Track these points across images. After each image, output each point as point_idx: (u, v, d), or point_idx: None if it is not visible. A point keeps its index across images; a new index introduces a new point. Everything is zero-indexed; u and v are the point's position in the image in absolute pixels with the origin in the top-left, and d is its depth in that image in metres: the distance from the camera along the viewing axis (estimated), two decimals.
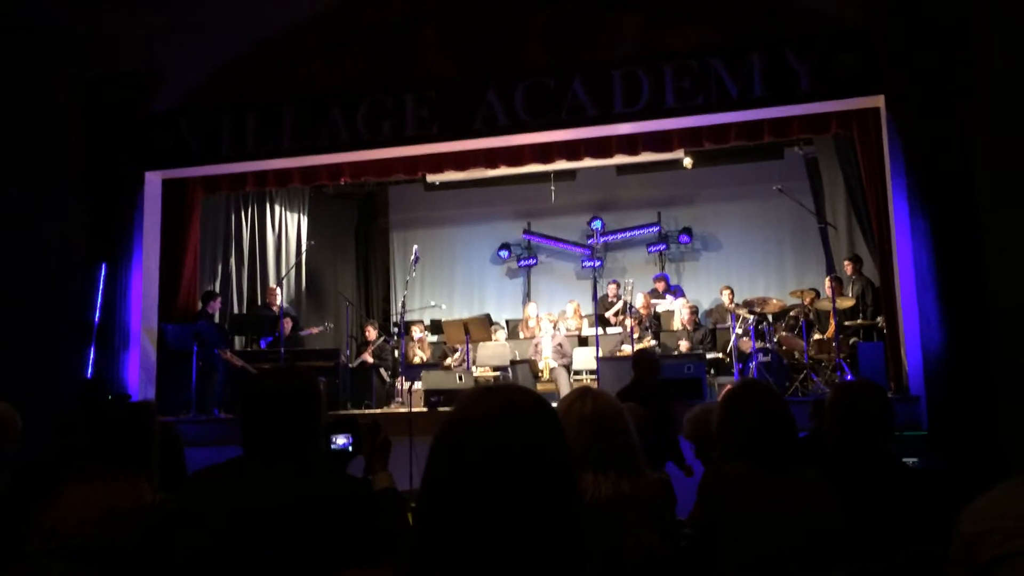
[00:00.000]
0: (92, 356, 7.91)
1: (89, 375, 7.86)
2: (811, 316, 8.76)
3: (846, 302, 8.53)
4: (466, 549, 1.07)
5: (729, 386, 2.72)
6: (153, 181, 8.50)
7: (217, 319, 9.36)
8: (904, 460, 3.28)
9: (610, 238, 11.93)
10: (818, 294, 9.00)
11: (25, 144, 8.39)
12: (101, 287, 8.04)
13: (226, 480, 2.04)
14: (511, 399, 1.18)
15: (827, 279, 8.74)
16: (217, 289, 10.14)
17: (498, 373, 9.11)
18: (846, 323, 8.59)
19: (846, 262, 9.16)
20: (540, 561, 1.08)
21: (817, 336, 8.58)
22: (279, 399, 2.04)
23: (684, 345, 9.30)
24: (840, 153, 9.47)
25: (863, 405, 2.69)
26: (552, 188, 11.49)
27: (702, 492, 2.49)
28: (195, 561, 1.96)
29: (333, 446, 2.30)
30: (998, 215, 6.32)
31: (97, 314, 7.99)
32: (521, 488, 1.09)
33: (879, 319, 8.15)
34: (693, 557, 2.45)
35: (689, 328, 9.56)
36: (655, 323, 10.07)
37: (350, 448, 2.30)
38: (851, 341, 8.46)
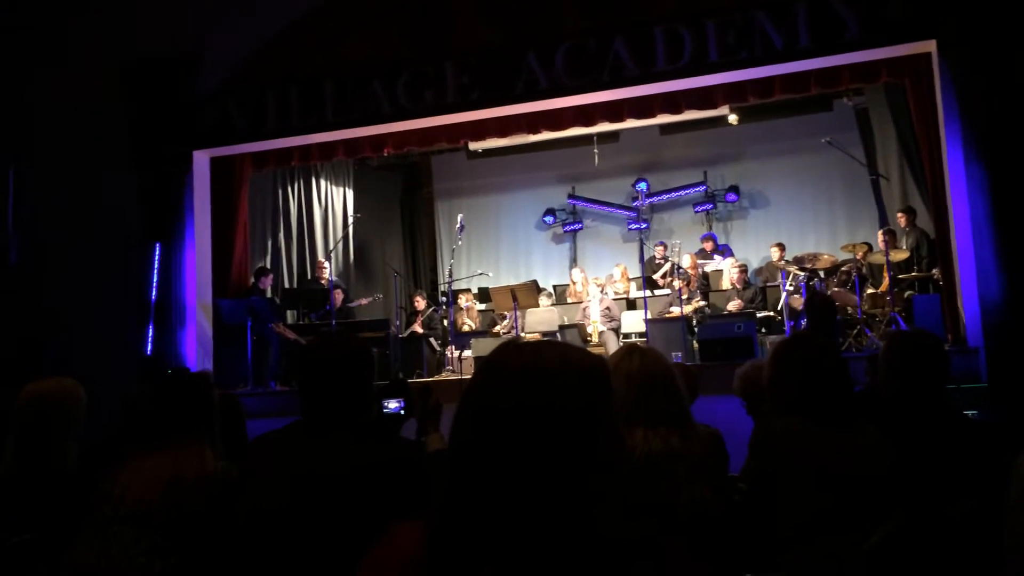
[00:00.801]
0: (151, 333, 8.13)
1: (149, 352, 8.08)
2: (864, 270, 8.60)
3: (900, 254, 8.34)
4: (493, 506, 1.05)
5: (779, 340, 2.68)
6: (201, 160, 8.64)
7: (269, 294, 9.52)
8: (964, 413, 3.21)
9: (656, 199, 11.80)
10: (871, 247, 8.81)
11: (76, 130, 8.57)
12: (156, 266, 8.24)
13: (286, 446, 2.10)
14: (546, 355, 1.12)
15: (880, 232, 8.54)
16: (268, 264, 10.30)
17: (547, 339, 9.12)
18: (900, 276, 8.41)
19: (899, 214, 8.94)
20: (570, 528, 1.05)
21: (871, 290, 8.43)
22: (334, 365, 2.09)
23: (734, 304, 9.21)
24: (891, 102, 9.22)
25: (918, 354, 2.63)
26: (595, 151, 11.39)
27: (753, 446, 2.48)
28: (258, 525, 2.02)
29: (385, 410, 2.34)
30: None
31: (154, 292, 8.20)
32: (552, 449, 1.05)
33: (935, 271, 7.97)
34: (746, 511, 2.45)
35: (739, 287, 9.45)
36: (704, 283, 9.97)
37: (402, 412, 2.34)
38: (906, 294, 8.29)
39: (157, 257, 8.25)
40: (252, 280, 9.13)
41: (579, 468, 1.06)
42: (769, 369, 2.56)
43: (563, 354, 1.14)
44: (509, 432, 1.06)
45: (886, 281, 8.21)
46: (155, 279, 8.21)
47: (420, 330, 10.09)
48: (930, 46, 6.79)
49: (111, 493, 2.35)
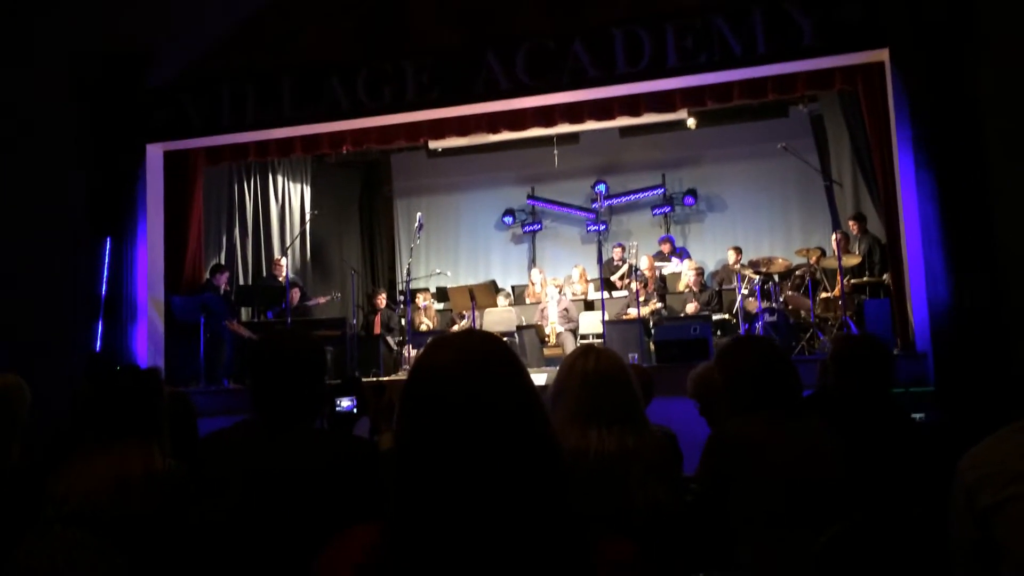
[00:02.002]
0: (100, 330, 7.96)
1: (98, 348, 7.92)
2: (817, 275, 8.74)
3: (852, 260, 8.49)
4: (436, 500, 1.07)
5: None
6: (155, 154, 8.49)
7: (224, 291, 9.38)
8: (912, 415, 3.29)
9: (614, 201, 11.88)
10: (824, 252, 8.96)
11: (27, 120, 8.36)
12: (107, 261, 8.07)
13: (237, 444, 2.07)
14: (459, 346, 1.17)
15: (833, 236, 8.69)
16: (222, 260, 10.15)
17: (504, 339, 9.11)
18: (852, 281, 8.56)
19: (851, 222, 9.09)
20: (517, 511, 1.07)
21: (824, 294, 8.56)
22: (284, 362, 2.06)
23: (691, 307, 9.30)
24: (845, 109, 9.38)
25: (862, 356, 2.71)
26: (555, 152, 11.43)
27: (709, 447, 2.50)
28: (208, 523, 1.98)
29: (338, 408, 2.32)
30: (1006, 168, 6.26)
31: (104, 288, 8.03)
32: (478, 435, 1.08)
33: (885, 276, 8.12)
34: (699, 512, 2.47)
35: (695, 290, 9.54)
36: (661, 285, 10.06)
37: (355, 410, 2.32)
38: (858, 299, 8.43)
39: (107, 252, 8.08)
40: (207, 276, 8.99)
41: (521, 457, 1.08)
42: (720, 372, 2.60)
43: (488, 341, 1.19)
44: (448, 424, 1.08)
45: (838, 286, 8.35)
46: (105, 274, 8.04)
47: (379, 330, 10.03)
48: (883, 55, 6.92)
49: (55, 493, 2.29)
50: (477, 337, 1.21)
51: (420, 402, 1.13)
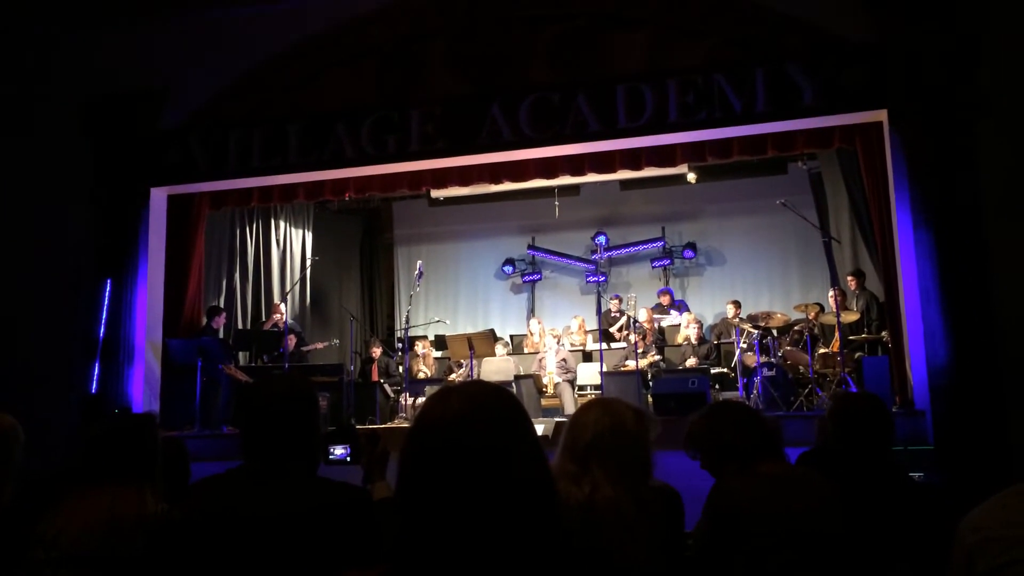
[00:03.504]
0: (97, 371, 7.93)
1: (94, 390, 7.88)
2: (816, 330, 8.74)
3: (851, 316, 8.50)
4: (441, 549, 1.07)
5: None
6: (159, 197, 8.54)
7: (221, 334, 9.37)
8: (910, 475, 3.27)
9: (614, 253, 11.94)
10: (822, 308, 8.97)
11: (33, 160, 8.44)
12: (106, 302, 8.07)
13: (228, 489, 2.05)
14: (468, 397, 1.17)
15: (831, 292, 8.71)
16: (221, 304, 10.16)
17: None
18: (851, 337, 8.55)
19: (849, 278, 9.12)
20: (517, 557, 1.07)
21: (822, 350, 8.55)
22: (277, 407, 2.05)
23: (691, 361, 9.29)
24: (844, 167, 9.47)
25: (862, 411, 2.71)
26: (556, 203, 11.51)
27: (712, 504, 2.48)
28: (198, 570, 1.96)
29: (331, 456, 2.30)
30: (1003, 228, 6.30)
31: (102, 329, 8.02)
32: (484, 485, 1.09)
33: (884, 333, 8.12)
34: (698, 567, 2.44)
35: (694, 343, 9.54)
36: (660, 338, 10.06)
37: (348, 459, 2.31)
38: (856, 355, 8.43)
39: (107, 294, 8.09)
40: (204, 320, 8.98)
41: (525, 506, 1.09)
42: (709, 437, 2.63)
43: (495, 392, 1.19)
44: (455, 474, 1.09)
45: (836, 341, 8.34)
46: (104, 316, 8.04)
47: (376, 378, 10.00)
48: (881, 115, 7.02)
49: (45, 535, 2.27)
50: (484, 388, 1.21)
51: (427, 451, 1.13)
